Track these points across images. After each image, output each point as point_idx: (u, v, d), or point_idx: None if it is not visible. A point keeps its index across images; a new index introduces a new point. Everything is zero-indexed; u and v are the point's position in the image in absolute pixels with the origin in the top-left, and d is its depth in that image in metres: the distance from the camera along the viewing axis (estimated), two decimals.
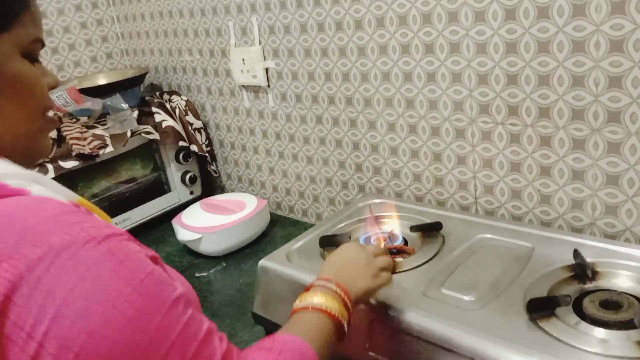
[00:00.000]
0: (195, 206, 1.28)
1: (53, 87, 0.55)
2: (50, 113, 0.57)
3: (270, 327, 0.88)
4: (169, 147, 1.36)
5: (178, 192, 1.41)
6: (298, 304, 0.62)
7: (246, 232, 1.20)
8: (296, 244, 0.92)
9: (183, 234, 1.20)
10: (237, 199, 1.27)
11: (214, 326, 0.49)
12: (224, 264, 1.17)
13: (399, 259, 0.83)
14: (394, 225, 0.90)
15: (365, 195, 1.12)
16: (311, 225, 1.27)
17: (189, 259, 1.21)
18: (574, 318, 0.65)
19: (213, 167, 1.43)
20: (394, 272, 0.78)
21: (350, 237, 0.89)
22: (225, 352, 0.47)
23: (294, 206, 1.31)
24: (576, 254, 0.73)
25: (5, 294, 0.40)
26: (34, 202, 0.45)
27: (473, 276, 0.75)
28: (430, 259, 0.81)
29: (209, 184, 1.50)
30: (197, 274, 1.14)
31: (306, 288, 0.64)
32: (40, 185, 0.48)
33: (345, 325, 0.61)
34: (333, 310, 0.60)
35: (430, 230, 0.89)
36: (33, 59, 0.53)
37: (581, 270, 0.72)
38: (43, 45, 0.55)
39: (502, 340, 0.62)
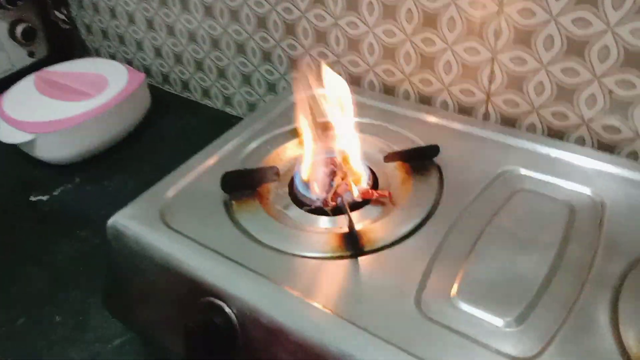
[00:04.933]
0: (27, 82, 0.80)
1: None
2: None
3: (137, 329, 0.51)
4: None
5: (8, 54, 0.91)
6: None
7: (109, 128, 0.76)
8: (181, 179, 0.51)
9: (5, 132, 0.74)
10: (95, 71, 0.80)
11: None
12: (77, 180, 0.74)
13: (362, 222, 0.45)
14: (352, 143, 0.50)
15: (301, 75, 0.70)
16: (218, 113, 0.84)
17: (21, 169, 0.77)
18: None
19: (60, 15, 0.92)
20: (357, 249, 0.41)
21: (277, 175, 0.49)
22: None
23: (189, 81, 0.86)
24: None
25: None
26: None
27: (508, 262, 0.40)
28: (424, 222, 0.45)
29: (63, 41, 0.99)
30: (32, 197, 0.72)
31: None
32: None
33: None
34: None
35: (418, 159, 0.51)
36: None
37: None
38: None
39: None
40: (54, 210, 0.69)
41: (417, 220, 0.44)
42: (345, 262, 0.42)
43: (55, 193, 0.72)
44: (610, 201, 0.44)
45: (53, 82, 0.79)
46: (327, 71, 0.50)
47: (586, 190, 0.46)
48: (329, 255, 0.42)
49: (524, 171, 0.48)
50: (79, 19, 0.95)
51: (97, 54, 0.97)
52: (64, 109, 0.74)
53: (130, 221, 0.47)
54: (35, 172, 0.76)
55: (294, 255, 0.43)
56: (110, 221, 0.48)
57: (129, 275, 0.49)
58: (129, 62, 0.93)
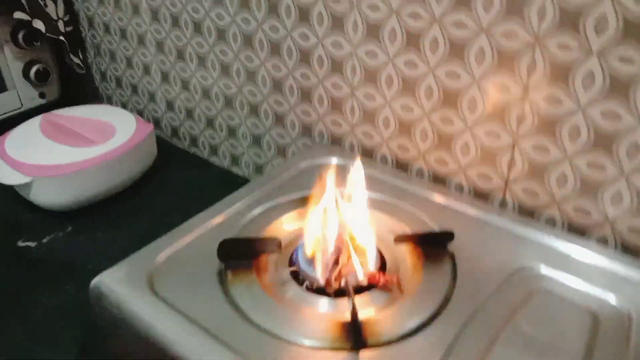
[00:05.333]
0: (33, 124, 0.78)
1: None
2: None
3: None
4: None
5: (19, 93, 0.90)
6: None
7: (110, 178, 0.74)
8: (176, 241, 0.48)
9: (3, 172, 0.71)
10: (103, 118, 0.79)
11: None
12: (70, 229, 0.71)
13: (367, 309, 0.41)
14: (363, 220, 0.47)
15: (313, 146, 0.68)
16: (224, 172, 0.82)
17: (14, 212, 0.74)
18: None
19: (76, 59, 0.91)
20: (359, 342, 0.37)
21: (279, 247, 0.46)
22: None
23: (199, 137, 0.84)
24: None
25: None
26: None
27: None
28: (434, 316, 0.41)
29: (76, 85, 0.99)
30: (20, 242, 0.68)
31: None
32: None
33: None
34: None
35: (431, 244, 0.47)
36: None
37: None
38: None
39: None
40: (40, 258, 0.66)
41: (427, 314, 0.41)
42: (344, 356, 0.38)
43: (44, 240, 0.69)
44: (638, 314, 0.41)
45: (59, 126, 0.77)
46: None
47: (611, 298, 0.42)
48: (327, 345, 0.38)
49: (544, 269, 0.45)
50: (95, 65, 0.95)
51: (109, 101, 0.97)
52: (66, 154, 0.71)
53: (115, 283, 0.44)
54: (28, 216, 0.72)
55: (288, 341, 0.39)
56: (95, 281, 0.44)
57: (107, 341, 0.44)
58: (139, 113, 0.92)
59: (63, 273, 0.63)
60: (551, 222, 0.53)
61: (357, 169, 0.48)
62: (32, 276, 0.63)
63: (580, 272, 0.45)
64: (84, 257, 0.66)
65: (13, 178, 0.70)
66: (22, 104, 0.91)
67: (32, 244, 0.68)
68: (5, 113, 0.89)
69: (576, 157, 0.49)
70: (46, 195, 0.71)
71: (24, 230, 0.70)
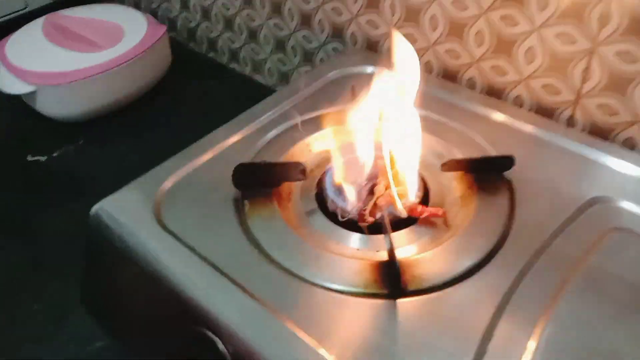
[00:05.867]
0: (35, 26, 0.70)
1: None
2: None
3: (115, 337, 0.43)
4: None
5: None
6: None
7: (121, 86, 0.67)
8: (187, 164, 0.42)
9: (6, 81, 0.65)
10: (112, 19, 0.71)
11: None
12: (82, 142, 0.66)
13: (407, 248, 0.35)
14: (408, 142, 0.39)
15: (344, 51, 0.60)
16: (245, 80, 0.74)
17: (23, 123, 0.68)
18: None
19: None
20: (397, 288, 0.32)
21: (303, 173, 0.39)
22: None
23: (217, 40, 0.76)
24: None
25: None
26: None
27: (603, 331, 0.30)
28: (488, 258, 0.34)
29: None
30: (29, 157, 0.63)
31: None
32: None
33: None
34: None
35: (485, 172, 0.40)
36: None
37: None
38: None
39: None
40: (49, 174, 0.61)
41: (479, 255, 0.34)
42: (379, 303, 0.32)
43: (54, 154, 0.64)
44: None
45: (63, 28, 0.69)
46: (398, 40, 0.38)
47: None
48: (359, 290, 0.33)
49: (623, 203, 0.37)
50: None
51: (121, 0, 0.87)
52: (71, 60, 0.64)
53: (117, 211, 0.38)
54: (37, 127, 0.67)
55: (313, 284, 0.33)
56: (95, 208, 0.39)
57: (108, 276, 0.40)
58: (153, 13, 0.83)
59: (72, 191, 0.59)
60: (629, 144, 0.45)
61: (402, 76, 0.39)
62: (40, 196, 0.58)
63: None
64: (94, 174, 0.61)
65: (15, 87, 0.63)
66: (27, 4, 0.83)
67: (42, 158, 0.63)
68: (7, 15, 0.81)
69: None
70: (53, 106, 0.65)
71: (33, 143, 0.65)
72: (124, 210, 0.38)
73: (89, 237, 0.39)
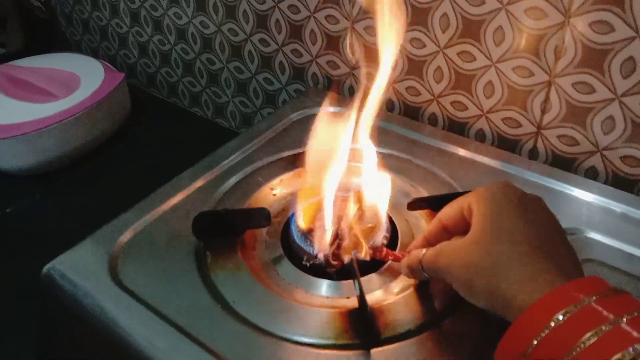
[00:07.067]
0: None
1: None
2: None
3: None
4: None
5: None
6: None
7: (78, 136, 0.65)
8: (144, 216, 0.40)
9: None
10: (67, 68, 0.69)
11: None
12: (37, 195, 0.63)
13: (378, 292, 0.34)
14: (368, 187, 0.38)
15: (306, 91, 0.59)
16: (208, 124, 0.73)
17: None
18: None
19: (35, 2, 0.80)
20: (370, 337, 0.30)
21: (267, 220, 0.38)
22: None
23: (177, 85, 0.75)
24: None
25: None
26: None
27: None
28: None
29: (41, 33, 0.88)
30: None
31: None
32: None
33: None
34: None
35: None
36: None
37: None
38: None
39: None
40: (4, 230, 0.58)
41: (454, 295, 0.33)
42: (352, 355, 0.30)
43: (7, 210, 0.61)
44: None
45: (16, 80, 0.67)
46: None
47: None
48: (329, 342, 0.31)
49: (591, 234, 0.37)
50: (58, 7, 0.84)
51: (78, 48, 0.86)
52: (25, 111, 0.62)
53: (70, 271, 0.36)
54: None
55: (283, 339, 0.31)
56: (47, 268, 0.37)
57: (65, 337, 0.37)
58: (111, 60, 0.81)
59: (30, 247, 0.56)
60: (592, 174, 0.45)
61: (362, 117, 0.39)
62: None
63: (635, 236, 0.37)
64: (52, 228, 0.58)
65: None
66: None
67: None
68: None
69: (626, 96, 0.40)
70: (7, 159, 0.63)
71: None
72: (78, 269, 0.36)
73: (42, 298, 0.37)
